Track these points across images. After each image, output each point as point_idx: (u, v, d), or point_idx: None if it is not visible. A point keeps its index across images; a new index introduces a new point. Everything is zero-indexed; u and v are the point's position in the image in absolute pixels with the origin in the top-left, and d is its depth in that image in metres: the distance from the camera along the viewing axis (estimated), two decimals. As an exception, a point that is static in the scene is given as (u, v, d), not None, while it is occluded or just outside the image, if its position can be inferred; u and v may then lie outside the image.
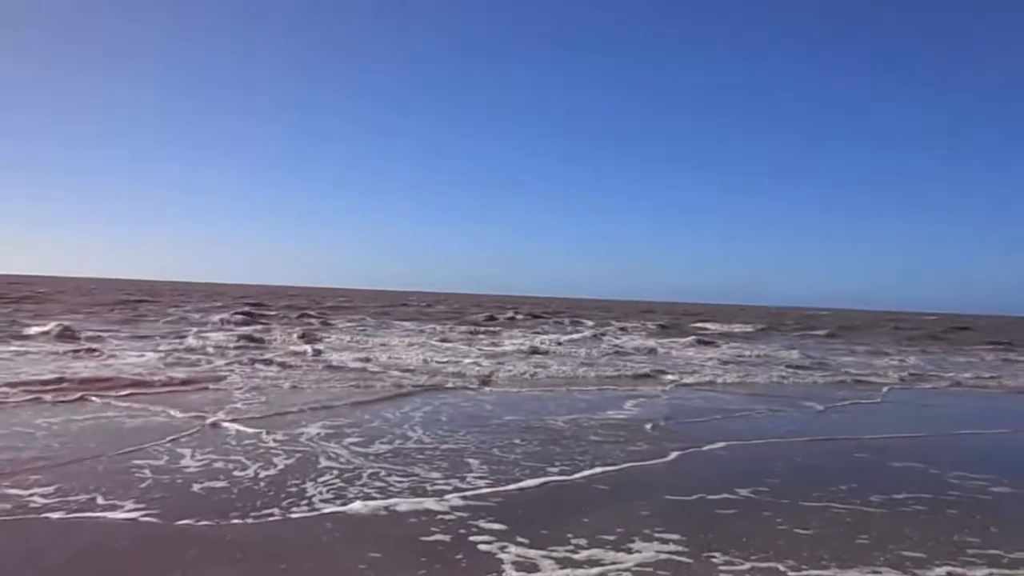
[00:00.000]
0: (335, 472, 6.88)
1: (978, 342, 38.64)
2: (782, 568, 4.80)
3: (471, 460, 7.67)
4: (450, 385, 13.45)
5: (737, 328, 44.14)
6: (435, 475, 6.97)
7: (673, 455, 8.31)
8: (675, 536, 5.37)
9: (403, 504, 5.96)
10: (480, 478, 6.92)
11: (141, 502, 5.77)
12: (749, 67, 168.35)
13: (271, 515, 5.57)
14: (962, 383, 18.22)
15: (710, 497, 6.56)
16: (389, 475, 6.85)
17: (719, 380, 16.46)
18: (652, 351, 24.38)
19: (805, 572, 4.74)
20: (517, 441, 8.74)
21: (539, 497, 6.42)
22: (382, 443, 8.35)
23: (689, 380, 16.22)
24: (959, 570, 4.87)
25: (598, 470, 7.44)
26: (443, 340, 25.25)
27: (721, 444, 9.01)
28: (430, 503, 6.00)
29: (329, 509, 5.77)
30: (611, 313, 65.23)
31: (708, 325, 45.19)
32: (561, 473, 7.29)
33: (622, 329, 37.35)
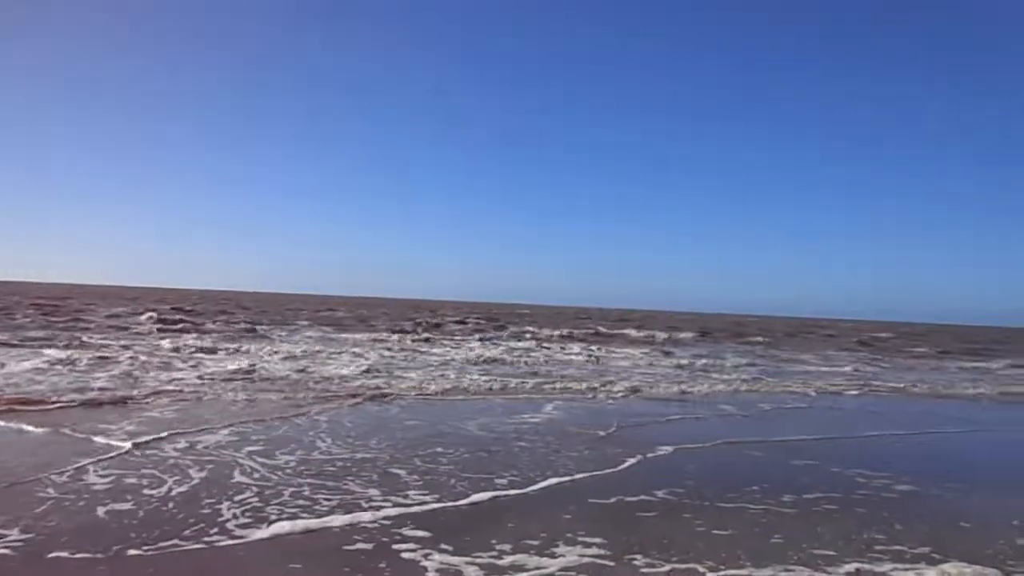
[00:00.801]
0: (253, 491, 6.38)
1: (898, 348, 40.56)
2: (701, 569, 4.89)
3: (400, 471, 7.54)
4: (385, 395, 13.14)
5: (664, 335, 45.06)
6: (368, 491, 6.80)
7: (605, 461, 8.40)
8: (598, 540, 5.42)
9: (328, 520, 5.79)
10: (413, 491, 6.82)
11: (6, 530, 5.13)
12: (681, 62, 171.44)
13: (173, 543, 5.09)
14: (878, 388, 19.07)
15: (633, 499, 6.65)
16: (316, 492, 6.52)
17: (654, 387, 16.74)
18: (591, 358, 24.65)
19: (723, 572, 4.85)
20: (439, 450, 8.69)
21: (467, 505, 6.37)
22: (311, 456, 8.07)
23: (619, 387, 16.43)
24: (867, 566, 5.07)
25: (550, 481, 7.45)
26: (380, 348, 24.83)
27: (649, 449, 9.16)
28: (357, 517, 5.83)
29: (245, 532, 5.51)
30: (558, 318, 65.81)
31: (633, 332, 45.97)
32: (490, 486, 7.26)
33: (565, 336, 37.62)
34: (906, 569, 5.00)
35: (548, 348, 27.87)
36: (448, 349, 25.18)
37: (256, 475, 6.97)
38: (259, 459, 7.63)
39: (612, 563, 4.95)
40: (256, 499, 6.16)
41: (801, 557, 5.22)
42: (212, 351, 19.84)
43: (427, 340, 29.14)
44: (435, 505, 6.23)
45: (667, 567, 4.90)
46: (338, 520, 5.63)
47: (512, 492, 6.77)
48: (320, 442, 8.65)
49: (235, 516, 5.66)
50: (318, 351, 21.35)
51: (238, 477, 6.88)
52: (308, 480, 6.87)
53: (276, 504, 6.03)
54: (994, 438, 12.01)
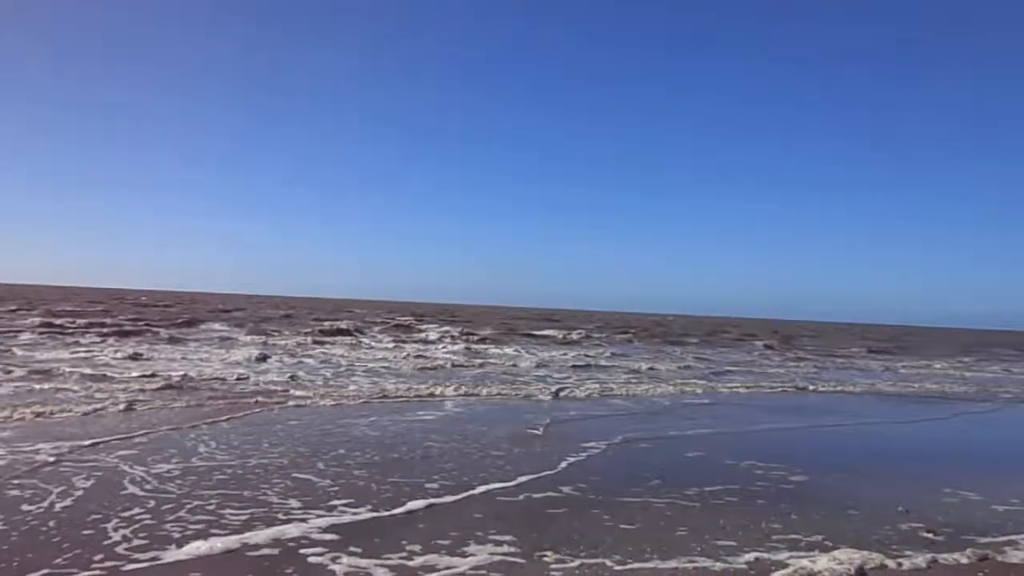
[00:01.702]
0: (149, 506, 5.96)
1: (801, 346, 42.44)
2: (609, 563, 4.97)
3: (315, 479, 7.36)
4: (292, 403, 12.66)
5: (577, 335, 45.64)
6: (281, 500, 6.61)
7: (514, 458, 8.43)
8: (509, 538, 5.43)
9: (247, 537, 5.59)
10: (327, 498, 6.65)
11: None
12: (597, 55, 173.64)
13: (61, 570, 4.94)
14: (775, 384, 19.91)
15: (541, 497, 6.71)
16: (222, 507, 6.30)
17: (562, 385, 16.91)
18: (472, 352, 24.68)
19: (630, 566, 4.94)
20: (342, 451, 8.53)
21: (373, 504, 6.26)
22: (218, 466, 7.80)
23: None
24: (765, 555, 5.28)
25: (465, 481, 7.40)
26: (289, 350, 24.11)
27: (558, 448, 9.26)
28: (283, 530, 5.65)
29: (152, 554, 5.28)
30: (493, 317, 65.56)
31: (550, 332, 46.42)
32: (417, 492, 7.16)
33: (490, 339, 37.50)
34: (801, 556, 5.23)
35: (454, 346, 27.82)
36: (354, 350, 24.79)
37: (153, 489, 6.65)
38: (157, 470, 7.29)
39: (523, 561, 4.97)
40: (153, 516, 5.87)
41: (704, 548, 5.39)
42: (92, 355, 18.85)
43: (333, 342, 28.59)
44: (368, 515, 6.10)
45: (577, 562, 4.96)
46: (260, 536, 5.29)
47: (448, 499, 6.66)
48: (221, 452, 8.33)
49: (127, 538, 5.17)
50: (218, 355, 20.62)
51: (132, 490, 6.54)
52: (217, 492, 6.60)
53: (180, 521, 5.77)
54: (880, 430, 12.74)
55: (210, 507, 5.95)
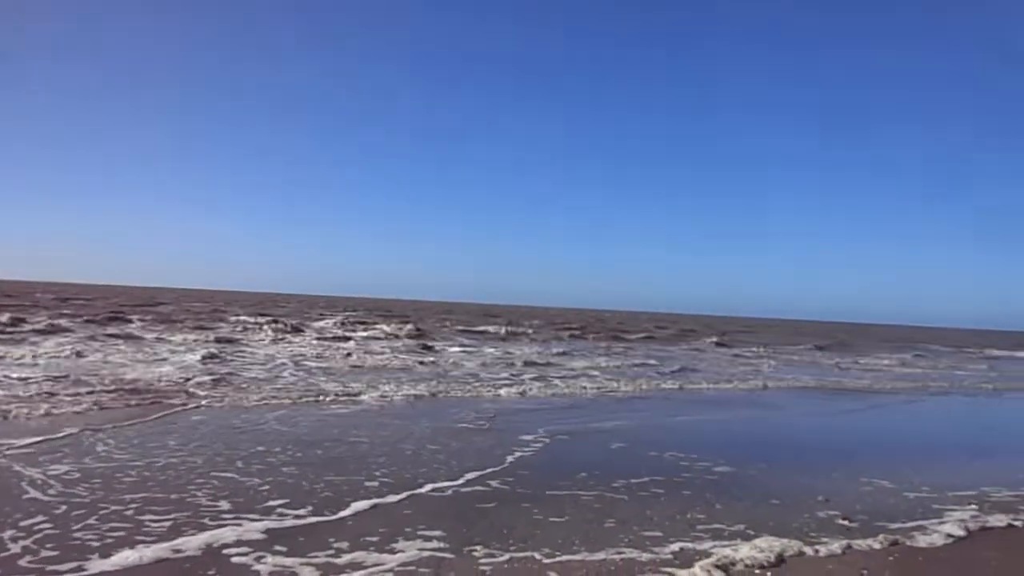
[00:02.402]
0: (56, 512, 5.79)
1: (739, 341, 43.50)
2: (538, 556, 5.00)
3: (245, 481, 7.17)
4: (213, 403, 12.31)
5: (522, 330, 45.80)
6: (211, 503, 6.41)
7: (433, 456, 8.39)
8: (438, 533, 5.41)
9: (179, 544, 5.39)
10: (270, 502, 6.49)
11: None
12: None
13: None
14: (701, 380, 20.37)
15: (473, 492, 6.71)
16: (143, 512, 6.11)
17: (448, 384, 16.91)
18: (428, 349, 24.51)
19: (558, 558, 4.98)
20: (262, 448, 8.34)
21: (313, 506, 6.14)
22: (135, 468, 7.52)
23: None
24: (690, 545, 5.40)
25: (396, 478, 7.31)
26: (216, 346, 23.44)
27: (489, 442, 9.27)
28: (217, 536, 5.48)
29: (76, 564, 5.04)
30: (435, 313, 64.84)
31: (493, 327, 46.38)
32: (355, 492, 7.05)
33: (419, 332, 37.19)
34: (724, 545, 5.36)
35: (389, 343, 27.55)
36: (290, 347, 24.31)
37: (58, 494, 6.37)
38: (61, 473, 6.99)
39: (452, 556, 4.96)
40: (57, 526, 5.62)
41: (631, 539, 5.47)
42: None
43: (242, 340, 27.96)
44: (309, 518, 5.97)
45: (506, 556, 4.97)
46: (193, 541, 5.08)
47: (392, 498, 6.58)
48: (136, 453, 8.05)
49: (29, 550, 4.93)
50: (145, 353, 19.93)
51: (35, 495, 6.26)
52: (140, 496, 6.37)
53: (93, 529, 5.54)
54: (806, 422, 13.22)
55: (129, 512, 5.73)
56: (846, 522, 6.18)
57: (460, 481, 7.06)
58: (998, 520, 6.42)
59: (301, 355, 20.34)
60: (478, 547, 5.14)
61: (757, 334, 59.36)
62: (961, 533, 5.98)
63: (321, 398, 12.27)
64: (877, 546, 5.52)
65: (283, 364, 17.59)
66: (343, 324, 36.61)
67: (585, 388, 16.02)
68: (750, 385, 18.90)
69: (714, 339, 41.69)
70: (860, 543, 5.54)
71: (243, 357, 18.93)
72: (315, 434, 9.18)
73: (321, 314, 48.05)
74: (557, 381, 16.94)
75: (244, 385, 13.38)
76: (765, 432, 11.73)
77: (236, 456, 7.74)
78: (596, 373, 19.64)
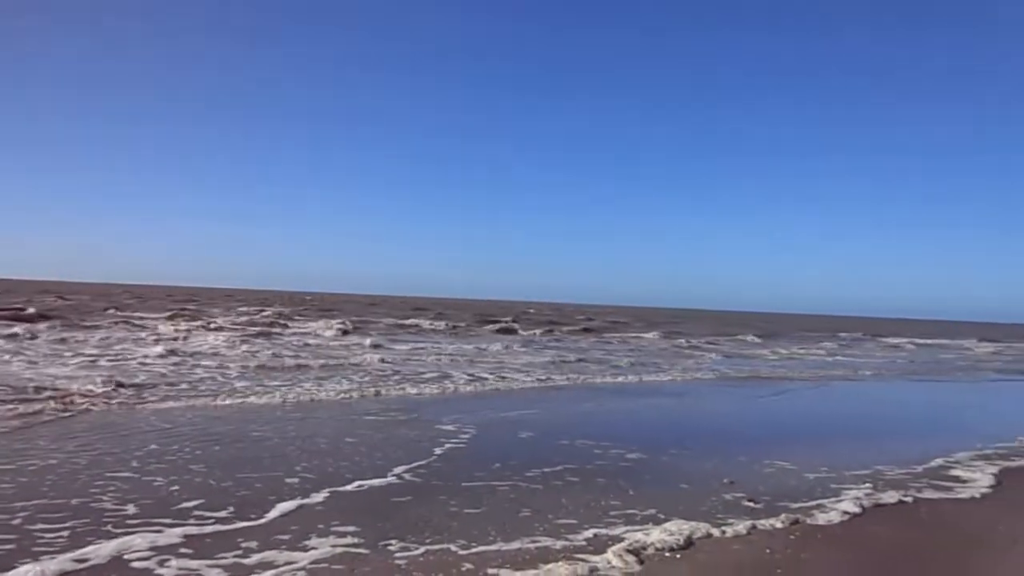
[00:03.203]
0: None
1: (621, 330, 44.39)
2: (454, 548, 4.99)
3: (158, 484, 6.86)
4: (118, 403, 11.77)
5: (454, 325, 45.48)
6: (118, 508, 6.09)
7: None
8: (352, 529, 5.32)
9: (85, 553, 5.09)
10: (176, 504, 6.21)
11: None
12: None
13: None
14: (637, 371, 20.75)
15: (388, 486, 6.63)
16: (32, 522, 5.77)
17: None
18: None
19: (474, 549, 4.99)
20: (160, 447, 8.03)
21: (234, 509, 5.93)
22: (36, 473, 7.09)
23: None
24: (603, 531, 5.49)
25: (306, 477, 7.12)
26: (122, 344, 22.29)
27: (405, 436, 9.19)
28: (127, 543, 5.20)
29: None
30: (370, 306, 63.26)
31: (421, 321, 45.89)
32: (278, 492, 6.83)
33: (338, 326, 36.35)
34: (636, 530, 5.49)
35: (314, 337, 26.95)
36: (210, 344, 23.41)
37: (-52, 489, 5.95)
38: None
39: (367, 551, 4.89)
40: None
41: (546, 528, 5.53)
42: None
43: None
44: (232, 522, 5.73)
45: (421, 549, 4.94)
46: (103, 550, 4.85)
47: (308, 496, 6.42)
48: (35, 458, 7.61)
49: None
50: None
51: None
52: (34, 503, 6.00)
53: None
54: (712, 409, 13.66)
55: (17, 522, 5.41)
56: (751, 503, 6.43)
57: (377, 476, 6.96)
58: (890, 497, 6.80)
59: (214, 351, 19.63)
60: (393, 541, 5.09)
61: (687, 324, 60.96)
62: (856, 510, 6.30)
63: (231, 397, 11.88)
64: (780, 525, 5.75)
65: (194, 361, 16.93)
66: (265, 320, 35.53)
67: (507, 380, 16.08)
68: (671, 376, 19.39)
69: (656, 332, 42.35)
70: (764, 523, 5.77)
71: (151, 354, 18.12)
72: (227, 434, 8.88)
73: (241, 309, 46.52)
74: (483, 374, 16.94)
75: (151, 384, 12.81)
76: (677, 419, 12.07)
77: (147, 458, 7.40)
78: (518, 364, 19.77)
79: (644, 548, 5.08)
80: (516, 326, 41.05)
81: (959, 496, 7.06)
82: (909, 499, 6.79)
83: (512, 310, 77.40)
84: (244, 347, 20.87)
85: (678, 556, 5.00)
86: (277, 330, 29.42)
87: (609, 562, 4.79)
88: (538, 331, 38.53)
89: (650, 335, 39.78)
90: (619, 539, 5.26)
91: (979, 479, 7.73)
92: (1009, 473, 8.16)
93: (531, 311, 77.14)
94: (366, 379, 14.81)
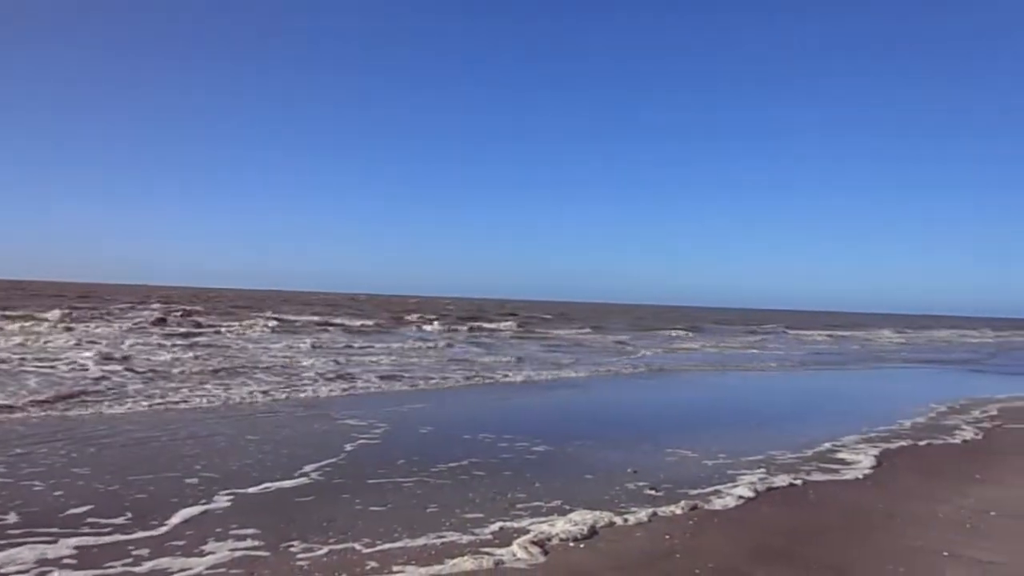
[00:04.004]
0: None
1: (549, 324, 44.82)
2: (358, 547, 4.93)
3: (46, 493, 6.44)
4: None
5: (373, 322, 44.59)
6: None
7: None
8: (252, 531, 5.18)
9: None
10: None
11: None
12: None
13: None
14: (541, 366, 20.93)
15: (290, 487, 6.49)
16: None
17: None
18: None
19: (379, 547, 4.94)
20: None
21: (133, 516, 5.65)
22: None
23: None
24: (509, 524, 5.54)
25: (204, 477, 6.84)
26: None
27: (306, 434, 9.00)
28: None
29: None
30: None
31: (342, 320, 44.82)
32: (179, 496, 6.53)
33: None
34: (541, 521, 5.56)
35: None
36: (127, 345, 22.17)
37: None
38: None
39: (267, 553, 4.77)
40: None
41: (453, 523, 5.54)
42: None
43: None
44: (130, 530, 5.43)
45: (325, 549, 4.86)
46: None
47: (205, 500, 6.17)
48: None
49: None
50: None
51: None
52: None
53: None
54: (618, 400, 13.98)
55: None
56: (653, 491, 6.62)
57: (282, 477, 6.79)
58: (781, 480, 7.13)
59: (107, 353, 18.63)
60: (296, 543, 4.98)
61: (613, 318, 61.95)
62: (750, 494, 6.58)
63: (130, 400, 11.33)
64: (679, 511, 5.95)
65: (82, 362, 16.02)
66: (175, 318, 33.95)
67: (416, 377, 15.97)
68: (585, 371, 19.70)
69: (577, 327, 42.76)
70: (665, 510, 5.95)
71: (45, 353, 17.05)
72: (125, 439, 8.47)
73: (149, 307, 44.35)
74: (393, 372, 16.76)
75: (35, 384, 12.05)
76: (586, 412, 12.30)
77: (33, 466, 6.97)
78: (429, 362, 19.68)
79: (549, 539, 5.16)
80: (435, 322, 40.77)
81: (844, 477, 7.48)
82: (799, 482, 7.15)
83: (431, 306, 77.08)
84: (142, 345, 19.93)
85: (582, 545, 5.10)
86: (185, 329, 28.23)
87: (514, 554, 4.84)
88: (456, 327, 38.41)
89: (569, 331, 40.40)
90: (525, 531, 5.32)
91: (862, 461, 8.21)
92: (889, 454, 8.70)
93: (450, 307, 76.98)
94: (278, 379, 14.40)
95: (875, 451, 8.78)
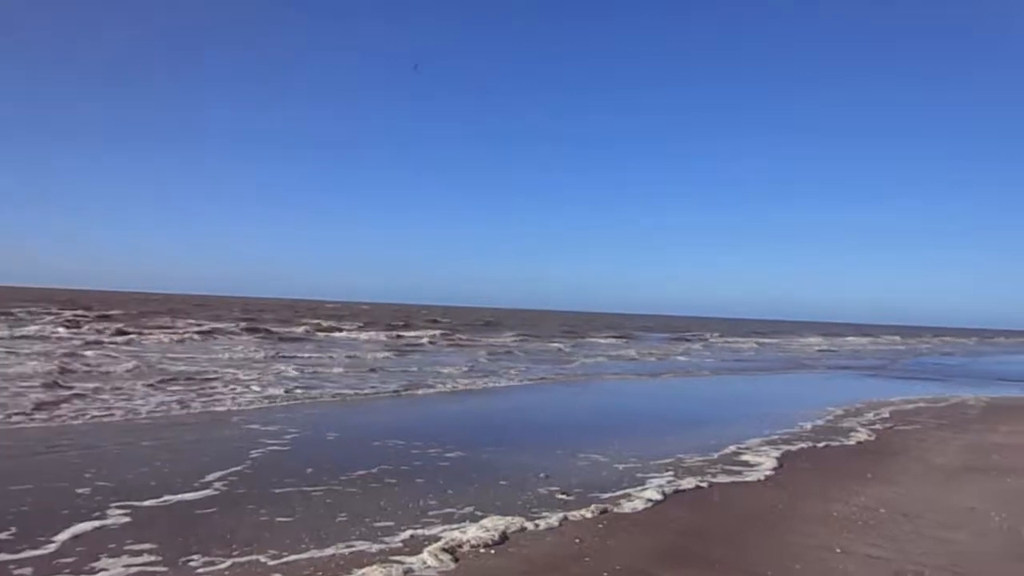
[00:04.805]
0: None
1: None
2: (263, 559, 4.79)
3: None
4: None
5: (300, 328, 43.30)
6: None
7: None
8: (149, 546, 4.96)
9: None
10: None
11: None
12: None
13: None
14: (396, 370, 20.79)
15: (191, 498, 6.24)
16: None
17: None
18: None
19: (285, 559, 4.80)
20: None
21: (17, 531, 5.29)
22: None
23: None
24: (421, 531, 5.49)
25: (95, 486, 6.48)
26: None
27: (206, 443, 8.69)
28: None
29: None
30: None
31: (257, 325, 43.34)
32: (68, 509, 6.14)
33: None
34: (453, 528, 5.53)
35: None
36: None
37: None
38: None
39: (165, 568, 4.58)
40: None
41: (363, 532, 5.44)
42: None
43: None
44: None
45: (228, 563, 4.69)
46: None
47: (100, 514, 5.83)
48: None
49: None
50: None
51: None
52: None
53: None
54: (530, 407, 14.08)
55: None
56: (564, 495, 6.69)
57: (184, 488, 6.52)
58: (688, 483, 7.33)
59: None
60: (196, 556, 4.80)
61: (544, 325, 62.13)
62: (659, 497, 6.73)
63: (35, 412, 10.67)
64: (589, 515, 6.03)
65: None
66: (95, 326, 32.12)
67: (326, 385, 15.67)
68: (507, 378, 19.73)
69: (516, 335, 42.75)
70: (575, 514, 6.02)
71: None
72: (17, 450, 7.98)
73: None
74: (306, 379, 16.39)
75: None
76: (501, 419, 12.34)
77: None
78: (339, 370, 19.34)
79: (460, 546, 5.13)
80: (362, 330, 39.90)
81: (747, 479, 7.75)
82: (705, 484, 7.36)
83: (352, 311, 75.73)
84: (39, 353, 18.84)
85: (493, 551, 5.10)
86: (93, 337, 26.80)
87: (424, 562, 4.80)
88: (380, 334, 37.76)
89: (499, 339, 40.44)
90: (436, 538, 5.28)
91: (764, 463, 8.52)
92: (789, 456, 9.07)
93: (366, 312, 75.81)
94: (188, 388, 13.84)
95: (777, 453, 9.13)
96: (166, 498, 6.19)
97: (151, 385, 13.53)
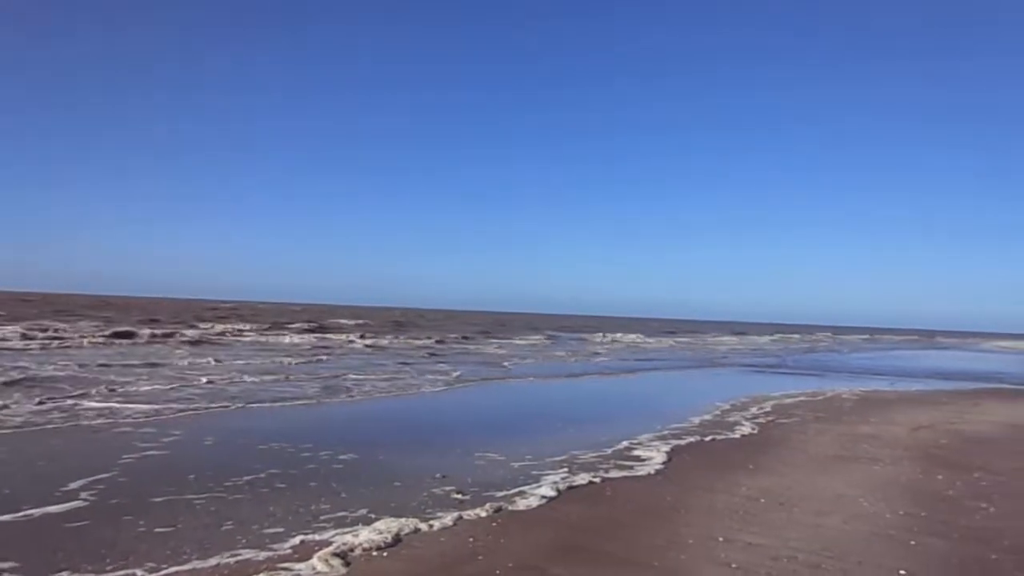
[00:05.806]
0: None
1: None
2: (140, 573, 4.55)
3: None
4: None
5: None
6: None
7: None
8: (12, 564, 4.62)
9: None
10: None
11: None
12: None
13: None
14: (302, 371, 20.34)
15: (61, 511, 5.85)
16: None
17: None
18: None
19: (164, 571, 4.58)
20: None
21: None
22: None
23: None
24: (311, 536, 5.36)
25: (-88, 501, 5.93)
26: None
27: (78, 452, 8.20)
28: None
29: None
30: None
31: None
32: None
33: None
34: (345, 532, 5.42)
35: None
36: None
37: None
38: None
39: (30, 587, 4.27)
40: None
41: (250, 540, 5.25)
42: None
43: None
44: None
45: (101, 578, 4.44)
46: None
47: None
48: None
49: None
50: None
51: None
52: None
53: None
54: (419, 407, 13.98)
55: None
56: (459, 496, 6.68)
57: (52, 499, 6.10)
58: (582, 479, 7.46)
59: None
60: (65, 573, 4.50)
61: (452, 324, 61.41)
62: (553, 493, 6.82)
63: None
64: (484, 514, 6.04)
65: None
66: None
67: (219, 387, 15.06)
68: (404, 381, 19.48)
69: (434, 336, 42.01)
70: (470, 513, 6.02)
71: None
72: None
73: None
74: (197, 380, 15.68)
75: None
76: (396, 421, 12.16)
77: None
78: (235, 373, 18.63)
79: (352, 550, 5.04)
80: (287, 335, 38.27)
81: (638, 473, 7.96)
82: (598, 479, 7.51)
83: (272, 312, 72.95)
84: None
85: (385, 554, 5.03)
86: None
87: (314, 568, 4.69)
88: (299, 336, 36.32)
89: (420, 340, 39.85)
90: (327, 543, 5.16)
91: (655, 457, 8.79)
92: (679, 450, 9.38)
93: (298, 311, 73.28)
94: (68, 390, 12.96)
95: (667, 448, 9.43)
96: (28, 512, 5.77)
97: (24, 389, 12.62)
